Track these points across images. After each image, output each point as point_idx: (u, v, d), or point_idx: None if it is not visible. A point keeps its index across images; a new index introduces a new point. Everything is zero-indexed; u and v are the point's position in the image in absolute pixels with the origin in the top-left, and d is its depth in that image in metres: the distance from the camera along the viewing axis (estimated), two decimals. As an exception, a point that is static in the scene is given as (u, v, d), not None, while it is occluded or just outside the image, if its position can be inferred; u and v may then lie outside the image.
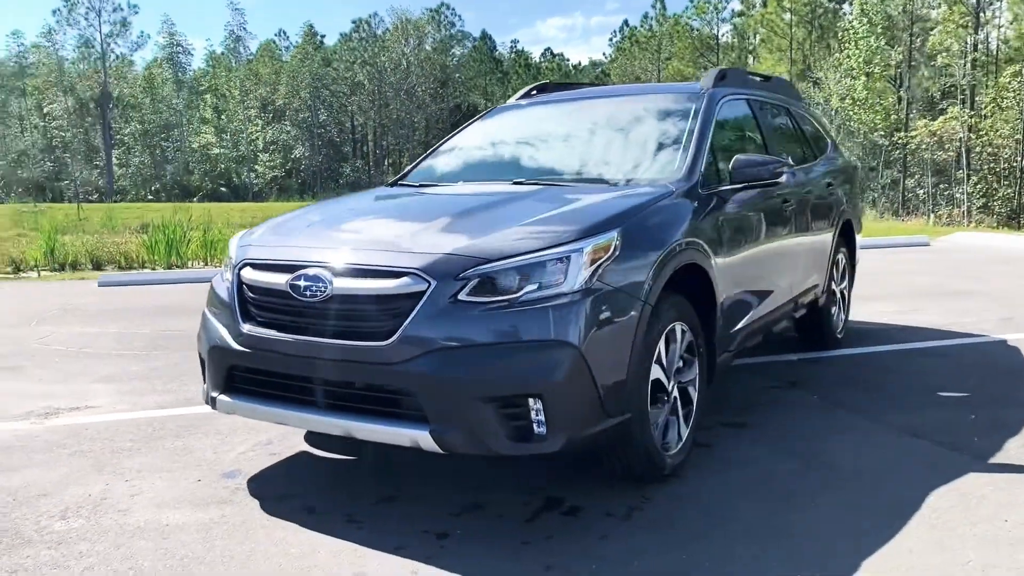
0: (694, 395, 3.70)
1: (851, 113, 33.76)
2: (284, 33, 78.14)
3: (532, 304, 2.91)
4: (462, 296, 2.92)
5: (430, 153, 5.03)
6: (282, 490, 3.50)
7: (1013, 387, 4.86)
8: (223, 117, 67.28)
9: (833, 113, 36.49)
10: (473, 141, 4.98)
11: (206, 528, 3.13)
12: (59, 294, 9.96)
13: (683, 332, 3.56)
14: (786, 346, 5.89)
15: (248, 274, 3.36)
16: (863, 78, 33.88)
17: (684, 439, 3.61)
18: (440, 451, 2.93)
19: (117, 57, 66.16)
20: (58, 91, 63.98)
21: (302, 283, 3.11)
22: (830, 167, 5.85)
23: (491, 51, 77.45)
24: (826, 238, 5.49)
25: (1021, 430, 4.07)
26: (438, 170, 4.77)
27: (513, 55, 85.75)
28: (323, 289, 3.06)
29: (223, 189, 62.00)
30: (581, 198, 3.62)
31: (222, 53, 73.26)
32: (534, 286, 2.94)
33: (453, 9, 70.62)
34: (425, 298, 2.91)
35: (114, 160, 64.96)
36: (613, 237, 3.13)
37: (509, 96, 5.85)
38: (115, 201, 54.45)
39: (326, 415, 3.11)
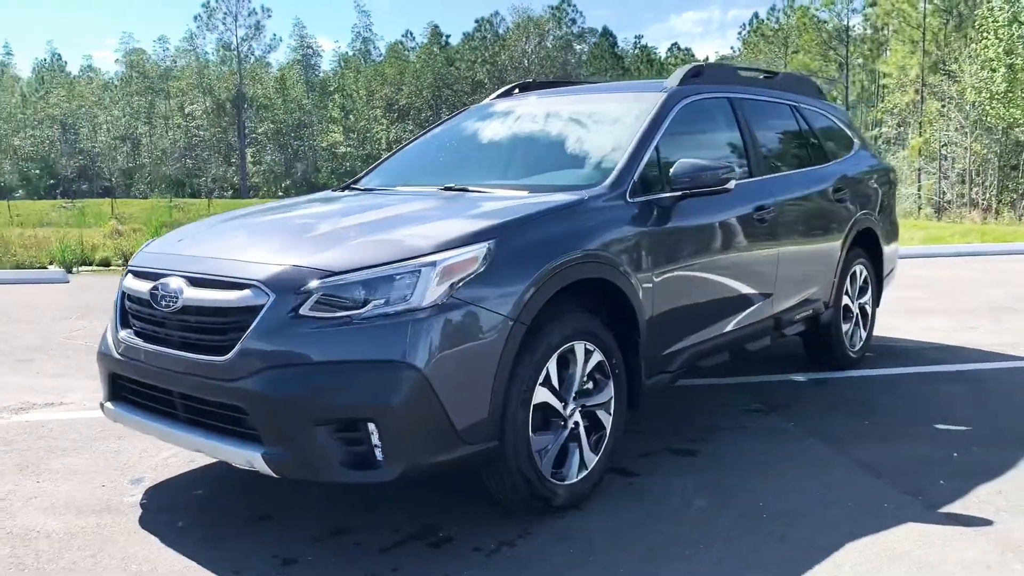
0: (607, 420, 3.42)
1: (988, 108, 31.45)
2: (411, 34, 79.81)
3: (373, 321, 2.73)
4: (304, 311, 2.77)
5: (394, 153, 4.90)
6: (170, 501, 3.45)
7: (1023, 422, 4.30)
8: (350, 117, 69.51)
9: (968, 108, 34.14)
10: (434, 142, 4.82)
11: (71, 536, 3.11)
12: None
13: (587, 352, 3.28)
14: (795, 365, 5.44)
15: (127, 281, 3.32)
16: (1003, 69, 31.45)
17: (591, 468, 3.33)
18: (274, 475, 2.79)
19: (252, 59, 69.33)
20: (198, 92, 67.67)
21: (159, 292, 3.05)
22: (847, 171, 5.35)
23: (612, 47, 76.64)
24: (830, 248, 5.02)
25: (1000, 475, 3.56)
26: (388, 172, 4.63)
27: (637, 51, 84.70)
28: (175, 299, 2.99)
29: (348, 186, 63.93)
30: (480, 206, 3.41)
31: (351, 55, 75.63)
32: (380, 301, 2.75)
33: (575, 6, 70.21)
34: (263, 312, 2.78)
35: (248, 158, 68.19)
36: (478, 250, 2.90)
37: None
38: (248, 197, 57.23)
39: (183, 430, 3.02)
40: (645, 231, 3.56)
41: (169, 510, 3.35)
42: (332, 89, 71.59)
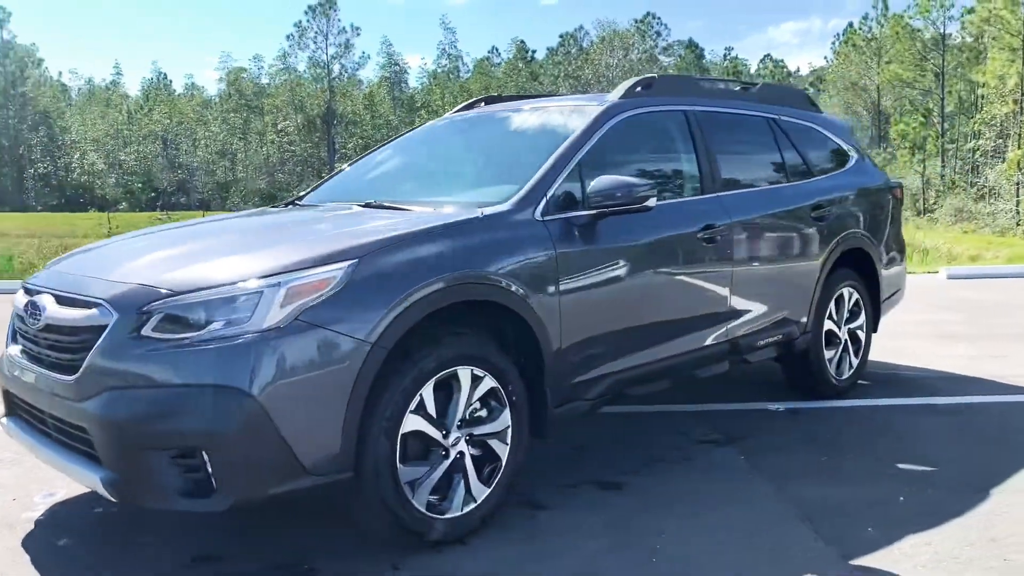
0: (503, 450, 3.24)
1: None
2: (496, 50, 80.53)
3: (209, 344, 2.64)
4: (146, 331, 2.70)
5: (350, 164, 4.84)
6: (66, 519, 3.44)
7: (996, 463, 3.90)
8: (436, 131, 70.33)
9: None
10: (384, 155, 4.72)
11: (-49, 552, 3.12)
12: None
13: (475, 378, 3.12)
14: (777, 393, 5.11)
15: (17, 296, 3.34)
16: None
17: (480, 500, 3.16)
18: (113, 499, 2.73)
19: (343, 77, 71.14)
20: (290, 109, 69.76)
21: (30, 309, 3.04)
22: (835, 188, 5.01)
23: (698, 59, 75.56)
24: (806, 270, 4.70)
25: (941, 524, 3.23)
26: (332, 186, 4.57)
27: (727, 63, 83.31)
28: (39, 316, 2.97)
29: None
30: (365, 224, 3.32)
31: (437, 71, 76.76)
32: (220, 323, 2.67)
33: (660, 19, 69.58)
34: (107, 331, 2.73)
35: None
36: (333, 271, 2.78)
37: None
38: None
39: (52, 449, 3.00)
40: (556, 252, 3.37)
41: (59, 528, 3.33)
42: (419, 105, 72.73)
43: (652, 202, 3.54)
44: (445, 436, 3.06)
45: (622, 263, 3.66)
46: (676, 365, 4.01)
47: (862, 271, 5.21)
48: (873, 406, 4.93)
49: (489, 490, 3.20)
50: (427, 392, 2.98)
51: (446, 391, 3.08)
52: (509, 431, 3.26)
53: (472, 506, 3.14)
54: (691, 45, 77.31)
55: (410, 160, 4.56)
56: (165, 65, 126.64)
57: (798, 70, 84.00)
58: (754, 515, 3.35)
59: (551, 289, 3.35)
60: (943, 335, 7.11)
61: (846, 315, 5.10)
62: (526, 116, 4.36)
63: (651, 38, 69.49)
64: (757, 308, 4.40)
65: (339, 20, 68.47)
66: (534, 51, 78.05)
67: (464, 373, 3.09)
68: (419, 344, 2.96)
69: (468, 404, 3.13)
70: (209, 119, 73.09)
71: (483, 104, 5.03)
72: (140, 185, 68.93)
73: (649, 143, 4.21)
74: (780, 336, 4.60)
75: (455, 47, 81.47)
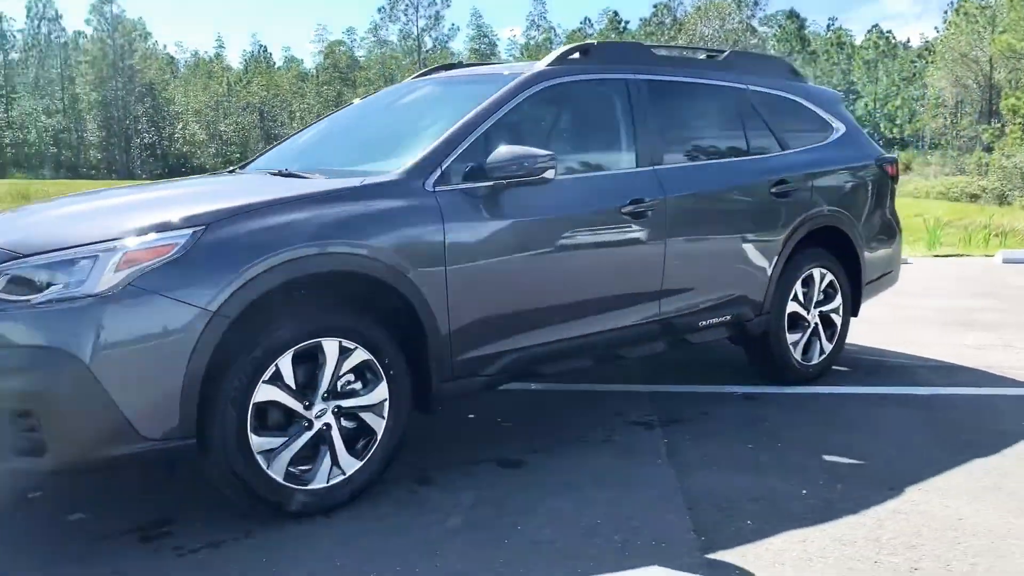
0: (379, 423, 3.20)
1: None
2: (589, 20, 79.49)
3: (47, 306, 2.67)
4: None
5: (295, 134, 4.83)
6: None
7: (934, 460, 3.64)
8: (525, 103, 70.12)
9: None
10: (325, 123, 4.70)
11: None
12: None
13: (344, 350, 3.08)
14: (746, 378, 4.89)
15: None
16: None
17: (350, 474, 3.14)
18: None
19: (432, 50, 71.58)
20: (382, 82, 70.65)
21: None
22: (808, 162, 4.73)
23: (799, 30, 72.85)
24: (761, 248, 4.45)
25: (828, 520, 3.03)
26: (274, 153, 4.55)
27: (831, 33, 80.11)
28: None
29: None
30: (244, 191, 3.29)
31: (529, 43, 76.37)
32: (59, 286, 2.70)
33: (759, -12, 67.25)
34: None
35: (425, 144, 70.54)
36: (176, 237, 2.78)
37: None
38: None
39: None
40: (444, 224, 3.29)
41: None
42: (509, 77, 72.55)
43: (551, 174, 3.42)
44: (308, 407, 3.04)
45: (525, 238, 3.55)
46: (596, 343, 3.88)
47: (839, 251, 4.92)
48: (840, 394, 4.67)
49: (361, 463, 3.18)
50: (284, 362, 2.96)
51: (313, 362, 3.05)
52: (386, 404, 3.21)
53: (339, 479, 3.12)
54: (792, 15, 74.57)
55: (345, 128, 4.51)
56: (265, 38, 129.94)
57: (908, 41, 79.97)
58: (640, 501, 3.22)
59: (436, 263, 3.27)
60: (962, 322, 6.68)
61: (817, 297, 4.83)
62: (458, 85, 4.26)
63: (748, 7, 67.36)
64: (697, 287, 4.21)
65: (429, -9, 68.86)
66: (627, 22, 76.76)
67: (330, 345, 3.05)
68: (275, 314, 2.94)
69: (335, 376, 3.09)
70: (305, 91, 74.76)
71: (442, 72, 4.94)
72: (238, 155, 71.23)
73: (575, 113, 4.07)
74: (728, 317, 4.39)
75: (544, 19, 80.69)
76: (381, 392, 3.20)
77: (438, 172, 3.38)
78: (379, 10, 72.24)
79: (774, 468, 3.57)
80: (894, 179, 5.32)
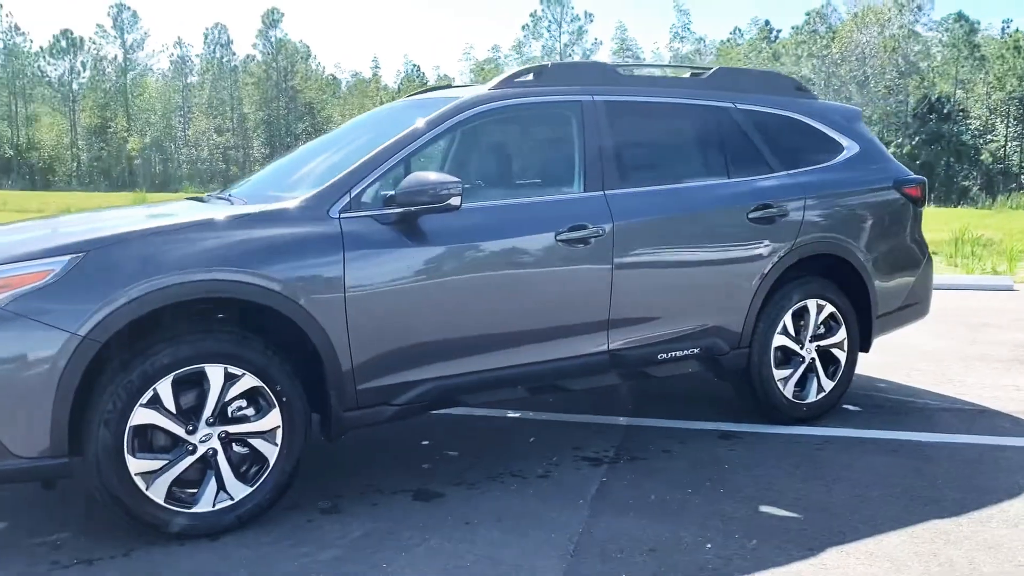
0: (271, 450, 3.22)
1: None
2: (739, 30, 77.48)
3: None
4: None
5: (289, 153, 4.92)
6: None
7: (879, 519, 3.28)
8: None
9: None
10: (312, 144, 4.76)
11: None
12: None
13: (230, 376, 3.11)
14: (742, 415, 4.59)
15: None
16: None
17: (238, 499, 3.16)
18: None
19: (576, 63, 71.81)
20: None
21: None
22: (791, 186, 4.37)
23: (968, 34, 68.10)
24: (736, 277, 4.17)
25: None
26: (255, 177, 4.61)
27: (1005, 38, 74.47)
28: None
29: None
30: (153, 217, 3.40)
31: (673, 55, 75.28)
32: None
33: (922, -9, 63.35)
34: None
35: (568, 158, 70.88)
36: (51, 263, 2.90)
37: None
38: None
39: None
40: (344, 252, 3.27)
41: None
42: (654, 89, 71.79)
43: (456, 201, 3.35)
44: (191, 431, 3.09)
45: (437, 266, 3.48)
46: (530, 374, 3.74)
47: (843, 281, 4.54)
48: (828, 436, 4.29)
49: (251, 489, 3.20)
50: (163, 387, 3.02)
51: (200, 386, 3.10)
52: (278, 432, 3.23)
53: (226, 503, 3.15)
54: (961, 18, 69.83)
55: (315, 150, 4.55)
56: (417, 57, 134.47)
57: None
58: (526, 546, 3.08)
59: (335, 291, 3.25)
60: (1020, 360, 6.01)
61: (814, 331, 4.47)
62: (414, 108, 4.23)
63: (911, 12, 63.63)
64: (654, 318, 3.99)
65: (572, 7, 69.12)
66: (778, 31, 74.31)
67: (214, 371, 3.10)
68: (155, 339, 3.01)
69: (221, 402, 3.13)
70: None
71: (426, 94, 4.93)
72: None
73: (517, 137, 3.96)
74: (697, 350, 4.14)
75: (688, 30, 79.25)
76: (273, 419, 3.21)
77: (346, 199, 3.37)
78: (523, 28, 73.36)
79: (696, 517, 3.32)
80: (918, 202, 4.85)
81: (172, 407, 3.06)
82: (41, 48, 75.62)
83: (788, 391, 4.42)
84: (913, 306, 4.91)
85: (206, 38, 78.85)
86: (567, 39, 69.93)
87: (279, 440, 3.23)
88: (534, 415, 4.67)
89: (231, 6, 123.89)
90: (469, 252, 3.54)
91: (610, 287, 3.83)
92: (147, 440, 3.06)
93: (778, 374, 4.38)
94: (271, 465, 3.22)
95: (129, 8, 75.47)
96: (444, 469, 3.86)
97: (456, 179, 3.35)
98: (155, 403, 3.03)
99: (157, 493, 3.05)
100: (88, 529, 3.22)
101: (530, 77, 3.98)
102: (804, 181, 4.44)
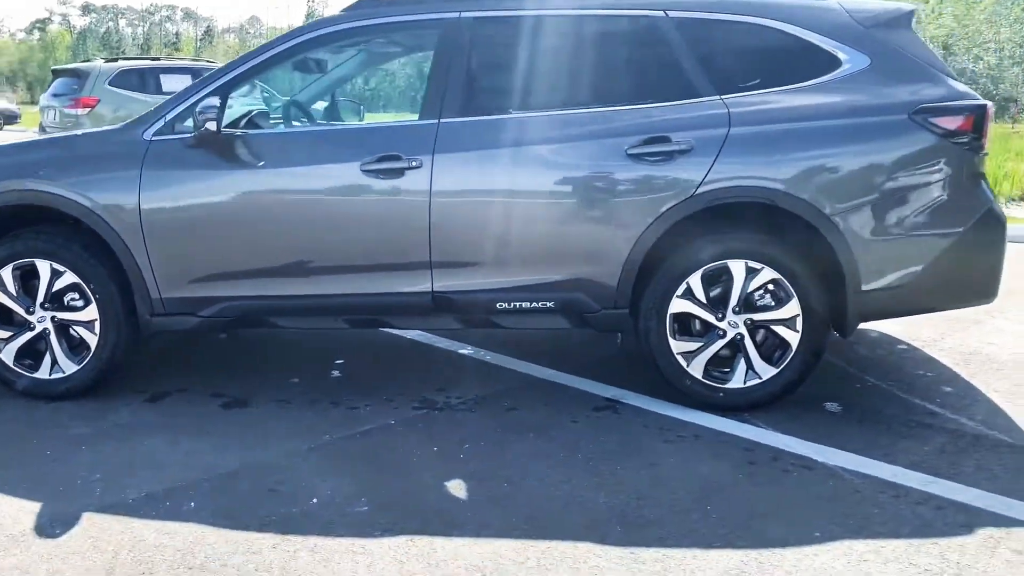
0: (90, 337, 3.75)
1: None
2: None
3: None
4: None
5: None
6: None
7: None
8: None
9: None
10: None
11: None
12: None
13: (55, 271, 3.67)
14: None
15: None
16: None
17: (68, 374, 3.77)
18: None
19: None
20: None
21: None
22: (697, 115, 3.46)
23: None
24: (603, 225, 3.49)
25: (235, 528, 2.66)
26: None
27: None
28: None
29: None
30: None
31: None
32: None
33: None
34: None
35: None
36: None
37: None
38: None
39: None
40: (142, 171, 3.62)
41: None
42: None
43: (212, 126, 3.46)
44: (30, 312, 3.78)
45: (231, 188, 3.62)
46: (347, 306, 3.69)
47: (799, 240, 3.48)
48: (765, 446, 3.36)
49: (78, 367, 3.80)
50: (5, 274, 3.74)
51: (36, 277, 3.75)
52: (97, 324, 3.76)
53: (59, 375, 3.80)
54: None
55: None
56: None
57: None
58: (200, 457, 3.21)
59: (130, 205, 3.63)
60: None
61: (740, 299, 3.52)
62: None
63: None
64: (487, 263, 3.58)
65: None
66: None
67: (43, 265, 3.73)
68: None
69: (48, 290, 3.74)
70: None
71: None
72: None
73: (358, 62, 3.78)
74: (551, 303, 3.60)
75: None
76: (91, 312, 3.75)
77: (161, 122, 3.69)
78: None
79: (389, 471, 3.07)
80: (964, 138, 3.40)
81: (13, 291, 3.77)
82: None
83: (696, 369, 3.59)
84: (951, 284, 3.53)
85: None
86: None
87: (97, 330, 3.76)
88: (487, 355, 4.43)
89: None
90: (261, 178, 3.61)
91: (428, 225, 3.55)
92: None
93: (678, 346, 3.58)
94: (92, 350, 3.77)
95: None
96: (296, 385, 4.01)
97: (214, 104, 3.45)
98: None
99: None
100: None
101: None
102: (738, 109, 3.46)
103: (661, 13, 3.59)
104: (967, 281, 3.56)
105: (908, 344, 4.51)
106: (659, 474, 3.05)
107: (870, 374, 4.06)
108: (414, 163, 3.51)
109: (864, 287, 3.47)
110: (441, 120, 3.56)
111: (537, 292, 3.60)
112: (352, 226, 3.62)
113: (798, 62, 3.54)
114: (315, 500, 2.86)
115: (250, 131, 3.63)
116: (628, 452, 3.24)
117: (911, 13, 3.66)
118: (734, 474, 3.05)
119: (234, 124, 3.65)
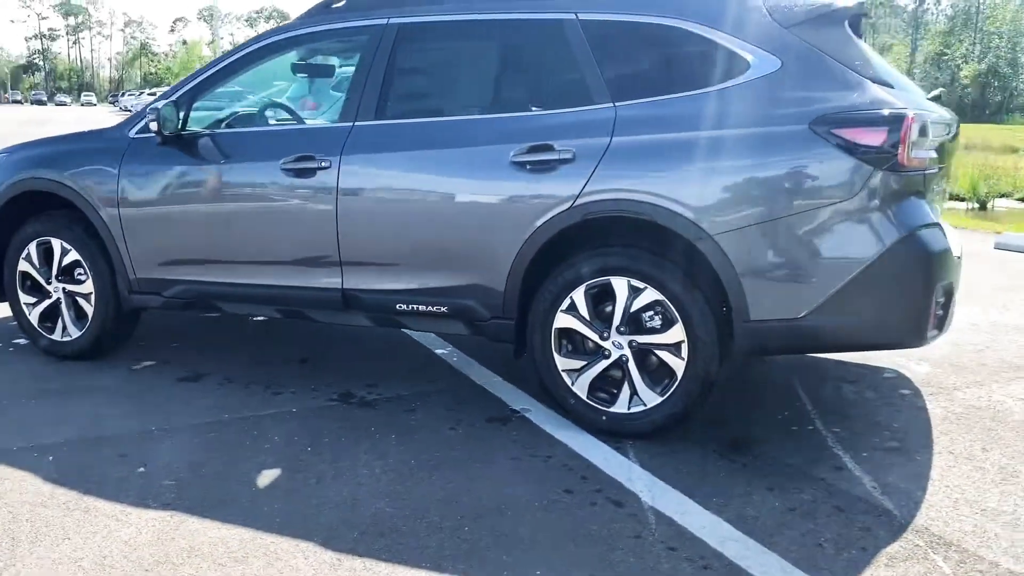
0: (88, 308, 4.33)
1: None
2: None
3: None
4: None
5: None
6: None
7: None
8: None
9: None
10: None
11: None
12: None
13: (64, 249, 4.29)
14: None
15: None
16: None
17: (74, 338, 4.42)
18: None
19: None
20: None
21: None
22: (581, 122, 3.29)
23: None
24: (487, 234, 3.42)
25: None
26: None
27: None
28: None
29: None
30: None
31: None
32: None
33: None
34: None
35: None
36: None
37: None
38: None
39: None
40: (120, 167, 4.11)
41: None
42: None
43: (154, 126, 3.85)
44: (48, 283, 4.43)
45: (181, 184, 4.02)
46: (275, 297, 3.94)
47: (684, 261, 3.20)
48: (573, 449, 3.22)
49: (80, 332, 4.40)
50: (32, 248, 4.41)
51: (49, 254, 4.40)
52: (92, 296, 4.33)
53: (68, 338, 4.41)
54: None
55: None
56: None
57: None
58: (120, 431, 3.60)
59: (111, 193, 4.14)
60: None
61: (622, 319, 3.28)
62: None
63: None
64: (389, 264, 3.65)
65: None
66: None
67: (56, 243, 4.35)
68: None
69: (60, 265, 4.36)
70: None
71: None
72: None
73: (301, 67, 3.97)
74: (444, 308, 3.59)
75: None
76: (89, 286, 4.32)
77: (143, 121, 4.16)
78: None
79: (224, 454, 3.28)
80: (876, 154, 2.91)
81: (37, 264, 4.43)
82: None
83: (580, 389, 3.42)
84: (860, 320, 3.05)
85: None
86: None
87: (93, 302, 4.32)
88: (456, 356, 4.50)
89: None
90: (203, 175, 3.96)
91: (336, 223, 3.70)
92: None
93: (564, 363, 3.43)
94: (90, 318, 4.34)
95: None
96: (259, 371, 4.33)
97: (155, 107, 3.84)
98: (27, 258, 4.44)
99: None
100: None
101: (343, 3, 3.92)
102: (626, 116, 3.24)
103: (572, 16, 3.45)
104: (881, 318, 3.06)
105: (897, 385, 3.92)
106: (461, 489, 2.96)
107: (818, 416, 3.61)
108: (324, 163, 3.67)
109: (753, 317, 3.11)
110: (355, 123, 3.69)
111: (433, 296, 3.61)
112: (274, 221, 3.86)
113: (703, 66, 3.23)
114: (142, 469, 3.14)
115: (199, 132, 3.99)
116: (462, 465, 3.17)
117: (844, 10, 3.20)
118: (537, 500, 2.90)
119: (217, 125, 4.04)
